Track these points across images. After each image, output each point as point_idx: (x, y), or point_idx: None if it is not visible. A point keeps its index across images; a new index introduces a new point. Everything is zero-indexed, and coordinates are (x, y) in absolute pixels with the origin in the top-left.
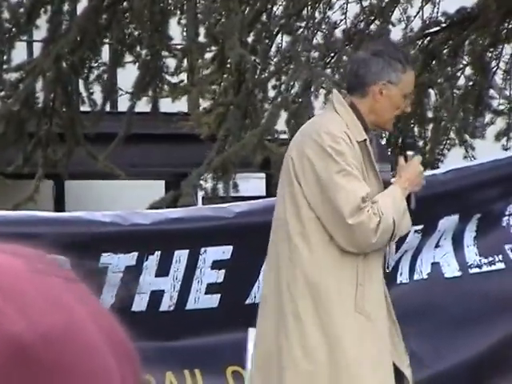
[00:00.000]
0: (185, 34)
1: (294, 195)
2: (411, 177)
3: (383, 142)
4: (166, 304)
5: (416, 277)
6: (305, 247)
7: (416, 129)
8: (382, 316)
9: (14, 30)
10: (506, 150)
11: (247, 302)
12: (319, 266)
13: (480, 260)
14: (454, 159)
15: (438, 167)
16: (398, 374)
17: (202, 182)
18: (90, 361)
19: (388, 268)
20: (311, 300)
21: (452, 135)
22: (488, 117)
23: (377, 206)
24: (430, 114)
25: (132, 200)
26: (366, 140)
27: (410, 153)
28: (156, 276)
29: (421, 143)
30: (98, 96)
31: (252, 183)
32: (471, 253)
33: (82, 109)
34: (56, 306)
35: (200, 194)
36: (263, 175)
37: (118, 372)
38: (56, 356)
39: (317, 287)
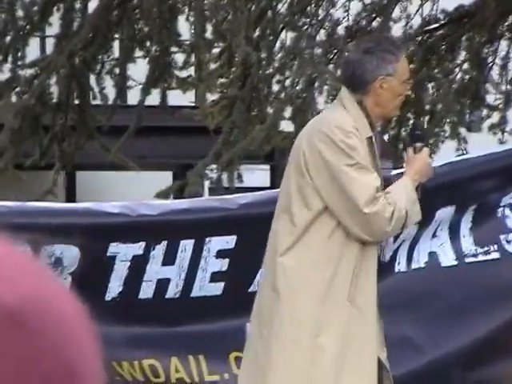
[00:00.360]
0: (193, 30)
1: (303, 188)
2: (420, 168)
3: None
4: (172, 291)
5: (413, 266)
6: (308, 238)
7: (414, 120)
8: (373, 307)
9: (27, 27)
10: (502, 143)
11: (250, 289)
12: (318, 257)
13: (476, 249)
14: (446, 152)
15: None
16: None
17: (207, 172)
18: (70, 327)
19: (384, 258)
20: (307, 288)
21: (446, 128)
22: (484, 111)
23: (390, 196)
24: (427, 107)
25: (141, 190)
26: (371, 137)
27: (418, 144)
28: (162, 265)
29: None
30: (108, 90)
31: (257, 174)
32: (467, 242)
33: (94, 103)
34: (31, 278)
35: (206, 184)
36: (268, 167)
37: (87, 340)
38: (38, 319)
39: (313, 277)
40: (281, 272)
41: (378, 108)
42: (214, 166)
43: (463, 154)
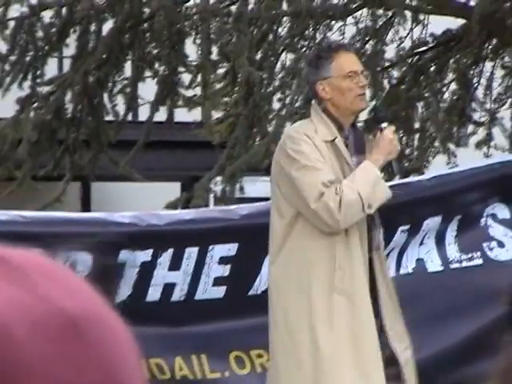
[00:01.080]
0: (199, 52)
1: (277, 199)
2: (384, 147)
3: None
4: (177, 295)
5: (402, 271)
6: (289, 245)
7: (404, 138)
8: (363, 296)
9: (46, 47)
10: (487, 157)
11: (250, 293)
12: (302, 259)
13: (460, 256)
14: (437, 166)
15: (423, 173)
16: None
17: (211, 185)
18: (120, 343)
19: (377, 250)
20: (294, 292)
21: (436, 143)
22: (470, 127)
23: (340, 185)
24: (417, 125)
25: (152, 200)
26: (335, 139)
27: (384, 125)
28: (169, 270)
29: (407, 151)
30: (120, 107)
31: (258, 185)
32: (452, 250)
33: (106, 119)
34: (85, 292)
35: (211, 195)
36: (268, 178)
37: (133, 356)
38: (96, 330)
39: (299, 280)
40: (271, 281)
41: (336, 108)
42: (218, 179)
43: (454, 168)
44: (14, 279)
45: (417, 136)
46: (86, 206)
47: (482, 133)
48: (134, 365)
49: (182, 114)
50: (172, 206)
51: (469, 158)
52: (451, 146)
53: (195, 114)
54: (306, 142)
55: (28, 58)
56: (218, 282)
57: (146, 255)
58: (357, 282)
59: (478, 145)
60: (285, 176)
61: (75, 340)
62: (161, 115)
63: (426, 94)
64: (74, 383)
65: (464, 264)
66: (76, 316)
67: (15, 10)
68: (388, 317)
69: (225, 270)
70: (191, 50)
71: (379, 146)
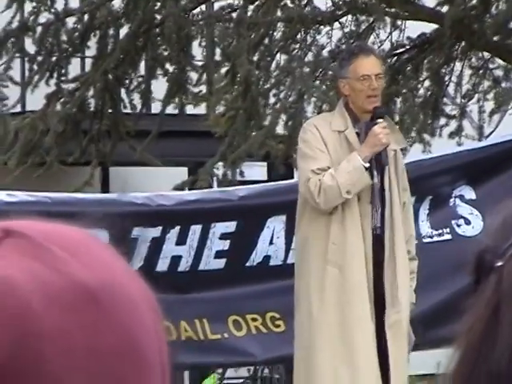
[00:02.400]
0: (204, 53)
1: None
2: (369, 140)
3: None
4: (183, 266)
5: None
6: (300, 221)
7: None
8: (354, 268)
9: (70, 49)
10: (459, 145)
11: (247, 264)
12: (306, 231)
13: (431, 232)
14: (414, 153)
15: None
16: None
17: (214, 170)
18: (137, 311)
19: (376, 231)
20: (300, 254)
21: (413, 134)
22: (443, 120)
23: (324, 172)
24: (396, 118)
25: (162, 182)
26: (346, 130)
27: (379, 120)
28: (176, 245)
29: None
30: (136, 102)
31: (256, 170)
32: (425, 226)
33: (125, 111)
34: (104, 263)
35: (214, 178)
36: (265, 163)
37: (151, 321)
38: (113, 302)
39: (304, 246)
40: (295, 249)
41: (353, 105)
42: (220, 164)
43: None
44: (37, 255)
45: (397, 127)
46: (104, 188)
47: (453, 124)
48: (152, 330)
49: (190, 108)
50: (179, 187)
51: (442, 147)
52: (426, 137)
53: (201, 108)
54: (311, 132)
55: (54, 59)
56: (218, 255)
57: (156, 231)
58: (349, 255)
59: (451, 135)
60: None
61: (92, 309)
62: (170, 108)
63: (404, 91)
64: (90, 349)
65: (435, 239)
66: (93, 287)
67: (42, 17)
68: (389, 286)
69: (225, 245)
70: (197, 51)
71: (367, 139)
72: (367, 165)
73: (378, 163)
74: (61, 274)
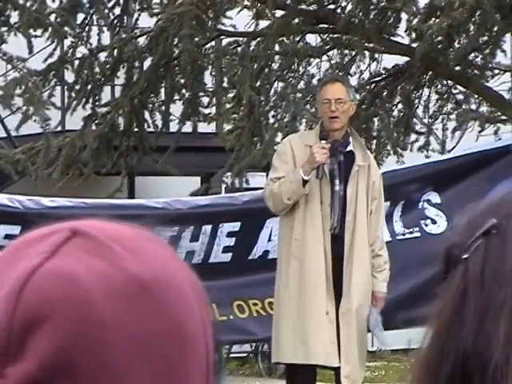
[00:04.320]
0: (214, 81)
1: None
2: (309, 157)
3: None
4: (196, 259)
5: None
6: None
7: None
8: (313, 261)
9: (102, 79)
10: (427, 157)
11: (249, 258)
12: (280, 230)
13: (404, 230)
14: (389, 164)
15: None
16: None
17: (224, 178)
18: (185, 300)
19: (335, 230)
20: (277, 248)
21: (388, 148)
22: (413, 136)
23: (278, 181)
24: (374, 134)
25: (179, 190)
26: (313, 145)
27: (322, 141)
28: (190, 241)
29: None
30: (158, 122)
31: (257, 179)
32: (398, 226)
33: (148, 130)
34: (158, 259)
35: (223, 186)
36: (265, 174)
37: (198, 309)
38: (164, 293)
39: (279, 242)
40: None
41: (324, 124)
42: (229, 174)
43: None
44: (99, 253)
45: (374, 142)
46: (131, 195)
47: (422, 140)
48: (198, 316)
49: (202, 127)
50: (194, 194)
51: (413, 159)
52: (399, 150)
53: (211, 127)
54: (284, 146)
55: (89, 87)
56: (225, 250)
57: (173, 231)
58: (307, 250)
59: (420, 149)
60: None
61: (145, 300)
62: (186, 127)
63: (381, 112)
64: (144, 334)
65: (407, 236)
66: (147, 279)
67: (79, 51)
68: (347, 280)
69: (231, 242)
70: (208, 79)
71: (309, 157)
72: (306, 177)
73: (342, 175)
74: (119, 269)
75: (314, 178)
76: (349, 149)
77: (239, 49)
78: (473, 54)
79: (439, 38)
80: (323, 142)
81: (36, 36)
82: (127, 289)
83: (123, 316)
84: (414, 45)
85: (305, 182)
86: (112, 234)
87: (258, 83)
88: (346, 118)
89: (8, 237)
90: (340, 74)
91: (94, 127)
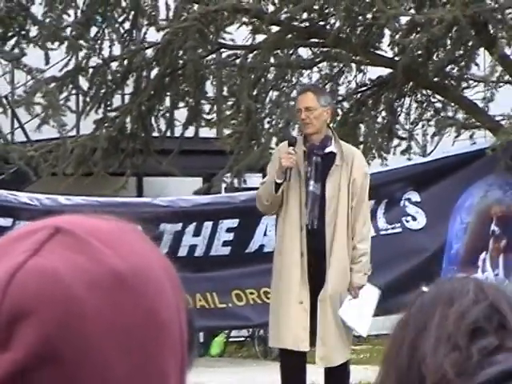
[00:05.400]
0: (215, 90)
1: None
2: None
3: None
4: (198, 252)
5: None
6: None
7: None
8: (290, 251)
9: (113, 86)
10: (409, 160)
11: (246, 251)
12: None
13: (387, 226)
14: (374, 166)
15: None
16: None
17: (224, 179)
18: (162, 290)
19: (312, 226)
20: None
21: (374, 151)
22: (396, 141)
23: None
24: (361, 139)
25: (183, 189)
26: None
27: (290, 147)
28: (193, 236)
29: None
30: (162, 127)
31: (254, 179)
32: (381, 222)
33: (154, 134)
34: (136, 251)
35: (223, 185)
36: (261, 175)
37: (173, 297)
38: (141, 285)
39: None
40: None
41: None
42: (228, 175)
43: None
44: (79, 249)
45: (361, 146)
46: (139, 193)
47: (404, 144)
48: (174, 304)
49: (204, 132)
50: (197, 193)
51: (395, 162)
52: (383, 154)
53: (212, 132)
54: (276, 152)
55: (101, 94)
56: (225, 244)
57: (177, 227)
58: (285, 245)
59: (402, 152)
60: None
61: (123, 292)
62: (189, 132)
63: (366, 119)
64: (122, 326)
65: (389, 231)
66: (124, 273)
67: (92, 61)
68: (328, 272)
69: (230, 236)
70: (209, 88)
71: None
72: (278, 181)
73: (318, 175)
74: (98, 263)
75: (293, 180)
76: (329, 150)
77: (238, 61)
78: (450, 67)
79: (419, 52)
80: (291, 148)
81: (52, 49)
82: (106, 282)
83: (102, 308)
84: (397, 58)
85: (277, 185)
86: (92, 229)
87: (255, 92)
88: (319, 123)
89: None
90: (320, 84)
91: (104, 130)
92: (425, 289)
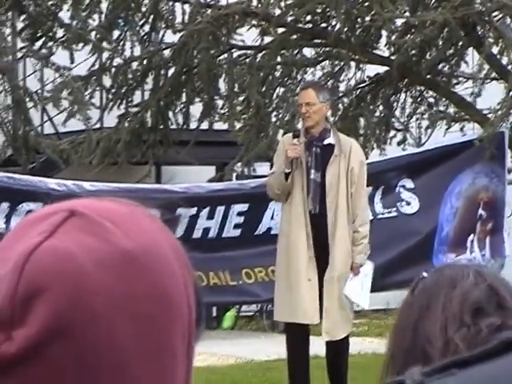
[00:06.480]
0: (227, 87)
1: None
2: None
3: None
4: (211, 234)
5: None
6: None
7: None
8: (297, 236)
9: (134, 84)
10: (404, 150)
11: (255, 233)
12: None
13: (383, 211)
14: (373, 156)
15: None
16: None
17: (235, 168)
18: (169, 267)
19: (314, 210)
20: None
21: (372, 142)
22: (392, 133)
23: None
24: (361, 131)
25: (198, 177)
26: (298, 139)
27: (295, 139)
28: (206, 219)
29: None
30: (180, 120)
31: (263, 168)
32: (378, 207)
33: (172, 127)
34: (145, 231)
35: (235, 174)
36: (269, 164)
37: (181, 274)
38: (151, 262)
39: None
40: None
41: None
42: (239, 164)
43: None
44: (91, 230)
45: (361, 138)
46: (158, 181)
47: (399, 136)
48: (181, 280)
49: (217, 125)
50: (211, 181)
51: (392, 152)
52: (381, 145)
53: (225, 125)
54: (281, 143)
55: (123, 91)
56: (236, 226)
57: (193, 211)
58: (292, 228)
59: (398, 143)
60: None
61: (131, 268)
62: (204, 125)
63: (365, 113)
64: (129, 296)
65: (385, 215)
66: (133, 252)
67: (115, 61)
68: (331, 254)
69: (240, 220)
70: (222, 85)
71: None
72: (287, 170)
73: (319, 165)
74: (108, 243)
75: (297, 169)
76: (328, 142)
77: (247, 60)
78: (441, 65)
79: (413, 51)
80: (295, 139)
81: (77, 50)
82: (115, 260)
83: (111, 283)
84: (393, 57)
85: (286, 175)
86: (104, 211)
87: (264, 88)
88: (318, 117)
89: None
90: (323, 80)
91: (126, 124)
92: (425, 274)
